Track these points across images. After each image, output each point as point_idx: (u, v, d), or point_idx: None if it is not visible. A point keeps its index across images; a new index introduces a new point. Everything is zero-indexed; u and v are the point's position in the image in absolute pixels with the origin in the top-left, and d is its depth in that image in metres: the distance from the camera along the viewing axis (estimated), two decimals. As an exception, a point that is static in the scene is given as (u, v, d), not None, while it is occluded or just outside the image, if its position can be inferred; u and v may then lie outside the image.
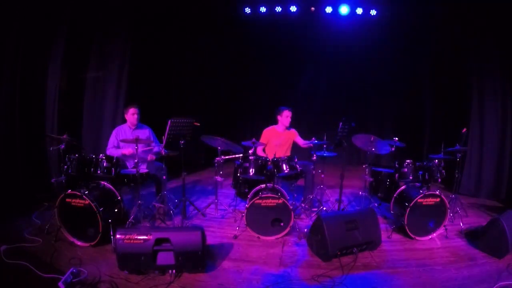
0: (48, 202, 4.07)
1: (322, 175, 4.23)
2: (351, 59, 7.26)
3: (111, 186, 3.52)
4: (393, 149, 4.01)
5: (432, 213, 3.47)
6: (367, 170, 4.09)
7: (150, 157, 3.96)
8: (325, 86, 7.70)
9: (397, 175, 3.82)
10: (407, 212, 3.36)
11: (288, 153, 4.42)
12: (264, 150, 4.36)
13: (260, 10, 6.46)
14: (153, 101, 5.56)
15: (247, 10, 6.52)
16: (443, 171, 3.78)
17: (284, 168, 3.72)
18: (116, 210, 3.45)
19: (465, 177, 5.29)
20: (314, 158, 4.09)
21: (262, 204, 3.42)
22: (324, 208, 4.23)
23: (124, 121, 4.14)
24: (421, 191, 3.43)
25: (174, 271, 2.67)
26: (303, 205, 4.24)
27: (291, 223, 3.47)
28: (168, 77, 6.59)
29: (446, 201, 3.45)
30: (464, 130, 4.09)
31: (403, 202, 3.56)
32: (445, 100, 6.22)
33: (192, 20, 6.60)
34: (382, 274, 2.83)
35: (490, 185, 5.18)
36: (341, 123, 3.93)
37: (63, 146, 3.40)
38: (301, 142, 4.50)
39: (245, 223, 3.46)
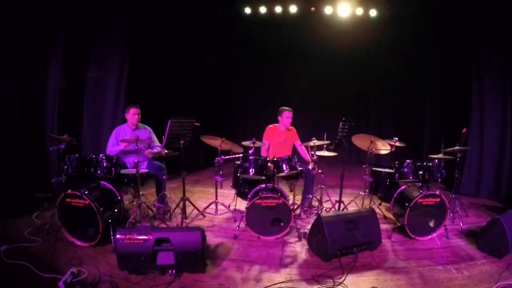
0: (48, 202, 4.08)
1: (322, 175, 4.22)
2: (351, 59, 7.27)
3: (111, 186, 3.51)
4: (393, 149, 4.00)
5: (432, 213, 3.47)
6: (367, 170, 4.09)
7: (148, 152, 3.95)
8: (325, 86, 7.71)
9: (397, 175, 3.81)
10: (407, 212, 3.36)
11: (290, 153, 4.42)
12: (267, 149, 4.36)
13: (260, 10, 6.46)
14: (153, 101, 5.56)
15: (247, 10, 6.52)
16: (443, 171, 3.78)
17: (284, 168, 3.72)
18: (116, 210, 3.45)
19: (465, 177, 5.29)
20: (314, 158, 4.09)
21: (262, 204, 3.42)
22: (324, 208, 4.22)
23: (125, 121, 4.14)
24: (421, 191, 3.43)
25: (174, 271, 2.67)
26: (303, 205, 4.24)
27: (291, 223, 3.47)
28: (168, 77, 6.59)
29: (446, 201, 3.45)
30: (464, 130, 4.09)
31: (403, 202, 3.56)
32: (445, 100, 6.23)
33: (192, 20, 6.60)
34: (382, 274, 2.83)
35: (490, 185, 5.18)
36: (341, 123, 3.93)
37: (63, 146, 3.40)
38: (298, 143, 4.51)
39: (245, 223, 3.46)
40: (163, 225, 3.71)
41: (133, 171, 3.48)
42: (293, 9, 6.34)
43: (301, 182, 4.32)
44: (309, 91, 7.72)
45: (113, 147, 3.93)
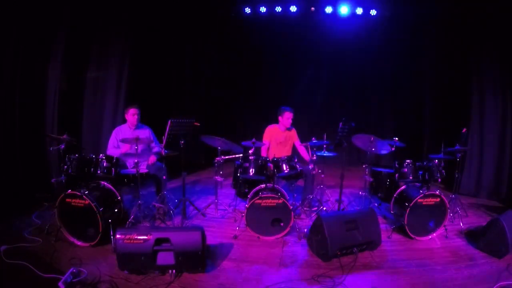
0: (48, 202, 4.09)
1: (322, 175, 4.22)
2: (351, 59, 7.26)
3: (111, 186, 3.52)
4: (393, 149, 4.00)
5: (432, 213, 3.48)
6: (367, 170, 4.09)
7: (151, 160, 3.95)
8: (325, 86, 7.70)
9: (397, 175, 3.81)
10: (407, 212, 3.36)
11: (290, 153, 4.42)
12: (268, 149, 4.36)
13: (260, 10, 6.46)
14: (153, 101, 5.56)
15: (247, 10, 6.52)
16: (443, 171, 3.78)
17: (284, 168, 3.72)
18: (116, 210, 3.45)
19: (465, 177, 5.29)
20: (314, 158, 4.09)
21: (262, 204, 3.42)
22: (324, 208, 4.22)
23: (124, 121, 4.14)
24: (421, 191, 3.43)
25: (174, 271, 2.67)
26: (303, 205, 4.24)
27: (291, 223, 3.47)
28: (168, 77, 6.59)
29: (446, 201, 3.45)
30: (464, 130, 4.09)
31: (403, 202, 3.57)
32: (445, 100, 6.22)
33: (192, 20, 6.60)
34: (382, 274, 2.83)
35: (490, 185, 5.18)
36: (341, 123, 3.93)
37: (63, 146, 3.40)
38: (298, 143, 4.52)
39: (245, 223, 3.46)
40: (163, 225, 3.70)
41: (133, 171, 3.48)
42: (293, 9, 6.34)
43: (301, 182, 4.33)
44: (309, 90, 7.71)
45: (113, 148, 3.93)
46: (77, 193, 3.08)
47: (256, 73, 7.78)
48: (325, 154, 3.96)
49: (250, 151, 3.76)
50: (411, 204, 3.35)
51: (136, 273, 2.67)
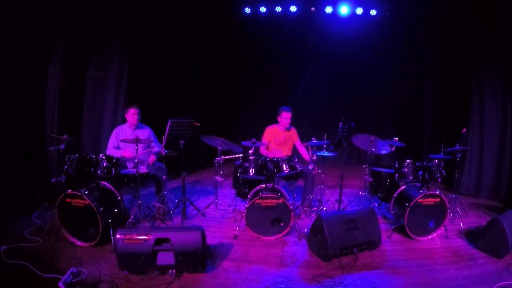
0: (48, 202, 4.09)
1: (322, 175, 4.22)
2: (351, 59, 7.28)
3: (111, 186, 3.52)
4: (393, 149, 4.01)
5: (432, 213, 3.47)
6: (367, 170, 4.09)
7: (151, 159, 3.95)
8: (325, 86, 7.72)
9: (397, 175, 3.82)
10: (407, 212, 3.36)
11: (290, 153, 4.42)
12: (267, 148, 4.36)
13: (260, 10, 6.46)
14: (153, 101, 5.56)
15: (247, 10, 6.52)
16: (443, 171, 3.78)
17: (284, 168, 3.72)
18: (116, 210, 3.45)
19: (465, 177, 5.29)
20: (314, 158, 4.09)
21: (262, 204, 3.42)
22: (324, 208, 4.22)
23: (125, 121, 4.14)
24: (421, 191, 3.43)
25: (174, 271, 2.67)
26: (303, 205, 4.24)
27: (291, 223, 3.47)
28: (168, 77, 6.59)
29: (446, 201, 3.45)
30: (464, 130, 4.09)
31: (403, 202, 3.57)
32: (445, 99, 6.23)
33: (192, 20, 6.60)
34: (382, 274, 2.83)
35: (490, 185, 5.18)
36: (341, 123, 3.93)
37: (63, 146, 3.40)
38: (298, 143, 4.52)
39: (245, 223, 3.46)
40: (163, 225, 3.71)
41: (133, 171, 3.48)
42: (293, 9, 6.34)
43: (301, 182, 4.33)
44: (309, 91, 7.72)
45: (113, 148, 3.93)
46: (77, 193, 3.08)
47: (256, 73, 7.79)
48: (325, 154, 3.96)
49: (250, 151, 3.76)
50: (411, 204, 3.35)
51: (136, 273, 2.67)
